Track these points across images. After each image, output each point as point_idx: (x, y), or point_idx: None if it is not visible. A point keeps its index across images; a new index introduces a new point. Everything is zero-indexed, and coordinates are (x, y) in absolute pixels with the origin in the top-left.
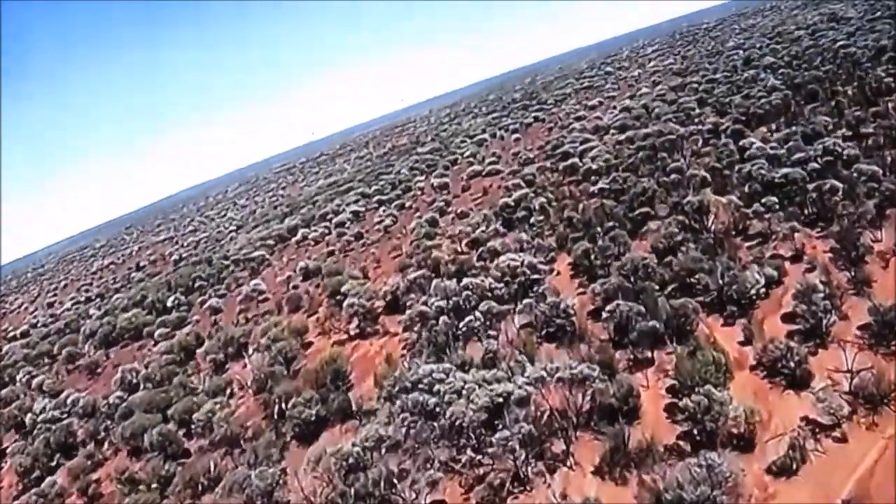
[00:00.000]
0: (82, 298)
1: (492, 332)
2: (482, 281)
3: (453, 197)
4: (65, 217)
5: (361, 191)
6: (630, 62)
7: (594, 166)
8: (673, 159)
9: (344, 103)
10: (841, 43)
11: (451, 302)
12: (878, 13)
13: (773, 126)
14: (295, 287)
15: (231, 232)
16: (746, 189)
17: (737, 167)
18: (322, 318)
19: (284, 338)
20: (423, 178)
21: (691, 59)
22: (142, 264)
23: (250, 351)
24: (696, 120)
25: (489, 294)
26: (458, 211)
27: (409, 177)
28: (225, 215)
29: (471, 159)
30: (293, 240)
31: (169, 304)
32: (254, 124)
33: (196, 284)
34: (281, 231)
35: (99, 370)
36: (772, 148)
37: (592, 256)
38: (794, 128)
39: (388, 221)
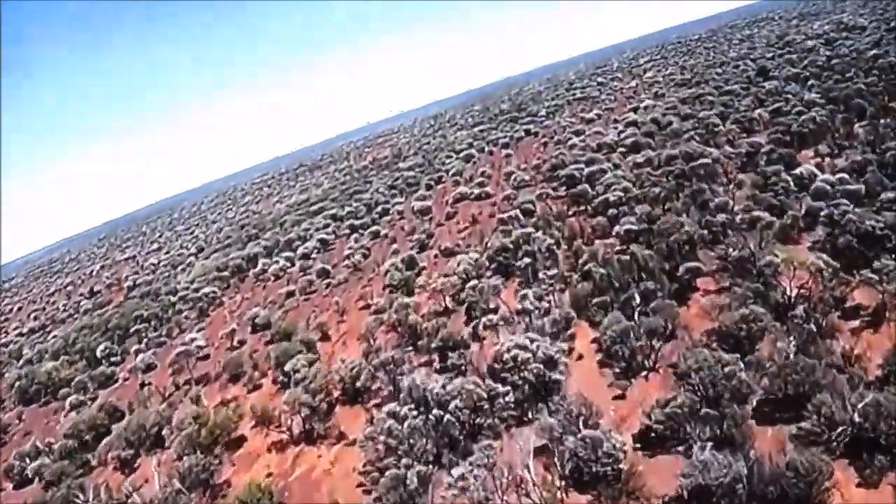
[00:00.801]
0: (25, 329)
1: (489, 461)
2: (476, 386)
3: (436, 226)
4: (68, 215)
5: (333, 212)
6: (623, 73)
7: (611, 196)
8: (712, 190)
9: (339, 107)
10: (872, 53)
11: (431, 416)
12: (894, 24)
13: (823, 148)
14: (241, 343)
15: (191, 256)
16: (826, 237)
17: (801, 204)
18: (262, 401)
19: (204, 441)
20: (402, 199)
21: (693, 69)
22: (96, 289)
23: (165, 446)
24: (724, 138)
25: (485, 402)
26: (442, 246)
27: (386, 197)
28: (193, 232)
29: (457, 178)
30: (251, 272)
31: (99, 353)
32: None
33: (135, 327)
34: (240, 260)
35: (6, 437)
36: (840, 180)
37: (631, 338)
38: (861, 153)
39: (358, 256)
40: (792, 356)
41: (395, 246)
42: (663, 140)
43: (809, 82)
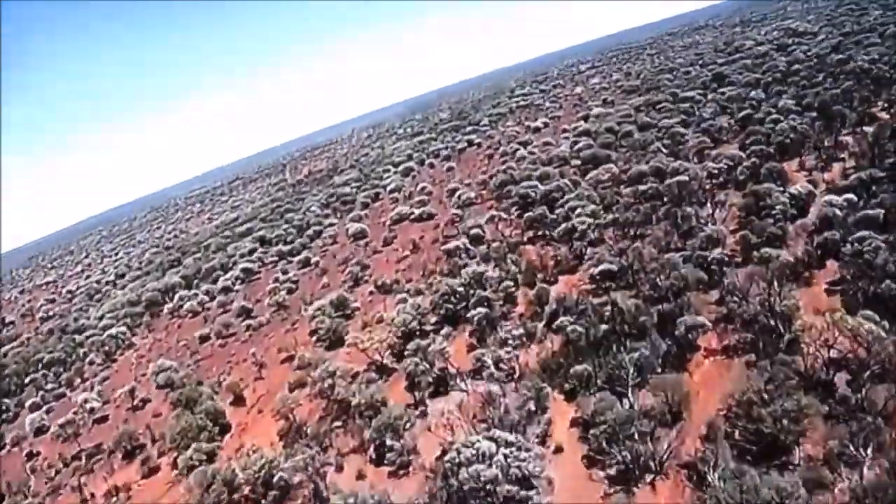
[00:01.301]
0: None
1: None
2: None
3: (372, 253)
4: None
5: (262, 234)
6: (565, 80)
7: (576, 222)
8: (696, 215)
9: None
10: (837, 58)
11: None
12: (847, 28)
13: (809, 159)
14: (144, 402)
15: (108, 284)
16: (853, 279)
17: (810, 235)
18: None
19: None
20: (336, 219)
21: (640, 75)
22: (8, 320)
23: None
24: (694, 149)
25: None
26: (379, 281)
27: (319, 217)
28: (118, 253)
29: (395, 195)
30: (167, 307)
31: None
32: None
33: (35, 375)
34: (156, 292)
35: None
36: (848, 202)
37: (632, 432)
38: (859, 167)
39: (283, 292)
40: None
41: (325, 278)
42: (627, 152)
43: (775, 88)
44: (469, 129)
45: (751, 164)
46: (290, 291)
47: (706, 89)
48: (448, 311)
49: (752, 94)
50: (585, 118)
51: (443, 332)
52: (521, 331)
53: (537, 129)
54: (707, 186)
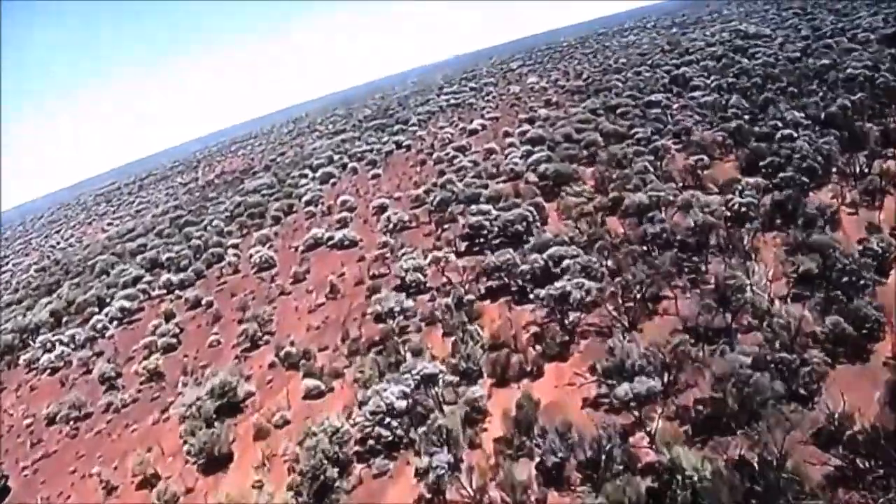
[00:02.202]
0: None
1: None
2: None
3: (278, 293)
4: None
5: (153, 255)
6: (496, 78)
7: (569, 288)
8: (720, 271)
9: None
10: (821, 63)
11: None
12: (804, 32)
13: (853, 191)
14: None
15: None
16: None
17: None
18: None
19: None
20: (241, 237)
21: (581, 75)
22: None
23: None
24: (685, 170)
25: None
26: (284, 346)
27: (222, 234)
28: (7, 263)
29: (312, 208)
30: (22, 358)
31: None
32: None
33: None
34: (15, 335)
35: None
36: None
37: None
38: None
39: (160, 353)
40: None
41: (216, 329)
42: (605, 170)
43: (761, 95)
44: (396, 128)
45: (785, 198)
46: (169, 349)
47: (669, 92)
48: (382, 435)
49: (732, 100)
50: (531, 121)
51: (374, 466)
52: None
53: (474, 132)
54: (734, 231)
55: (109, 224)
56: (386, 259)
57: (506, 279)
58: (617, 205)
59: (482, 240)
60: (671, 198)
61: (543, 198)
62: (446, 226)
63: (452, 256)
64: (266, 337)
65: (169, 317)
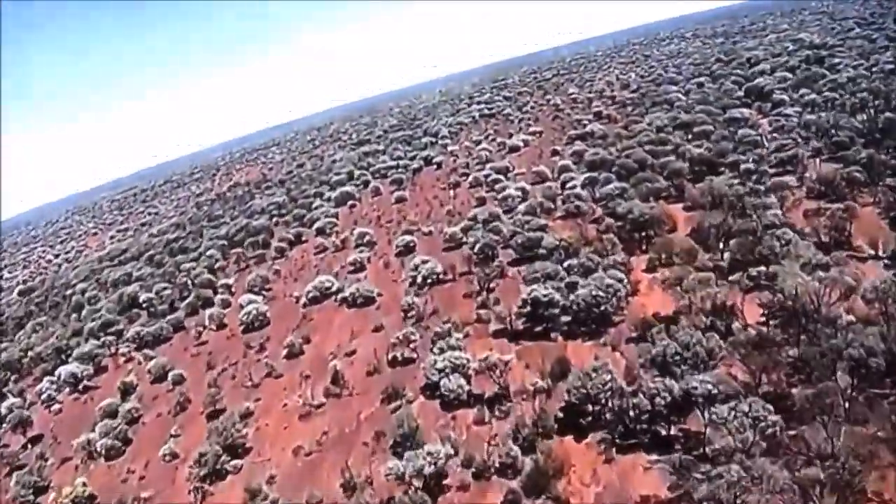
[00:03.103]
0: None
1: None
2: None
3: (266, 375)
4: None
5: (134, 290)
6: (530, 87)
7: (714, 414)
8: None
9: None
10: None
11: None
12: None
13: None
14: None
15: None
16: None
17: None
18: None
19: None
20: (235, 273)
21: (629, 86)
22: None
23: None
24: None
25: None
26: (268, 473)
27: (214, 271)
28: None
29: (323, 240)
30: None
31: None
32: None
33: None
34: None
35: None
36: None
37: None
38: None
39: (83, 483)
40: None
41: (175, 430)
42: (718, 219)
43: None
44: (424, 140)
45: None
46: (112, 454)
47: (747, 107)
48: None
49: (842, 120)
50: (582, 138)
51: None
52: None
53: (516, 149)
54: None
55: (112, 238)
56: (412, 340)
57: (600, 408)
58: (750, 283)
59: (548, 320)
60: (827, 275)
61: (624, 247)
62: (493, 283)
63: (505, 352)
64: (235, 462)
65: (126, 392)
